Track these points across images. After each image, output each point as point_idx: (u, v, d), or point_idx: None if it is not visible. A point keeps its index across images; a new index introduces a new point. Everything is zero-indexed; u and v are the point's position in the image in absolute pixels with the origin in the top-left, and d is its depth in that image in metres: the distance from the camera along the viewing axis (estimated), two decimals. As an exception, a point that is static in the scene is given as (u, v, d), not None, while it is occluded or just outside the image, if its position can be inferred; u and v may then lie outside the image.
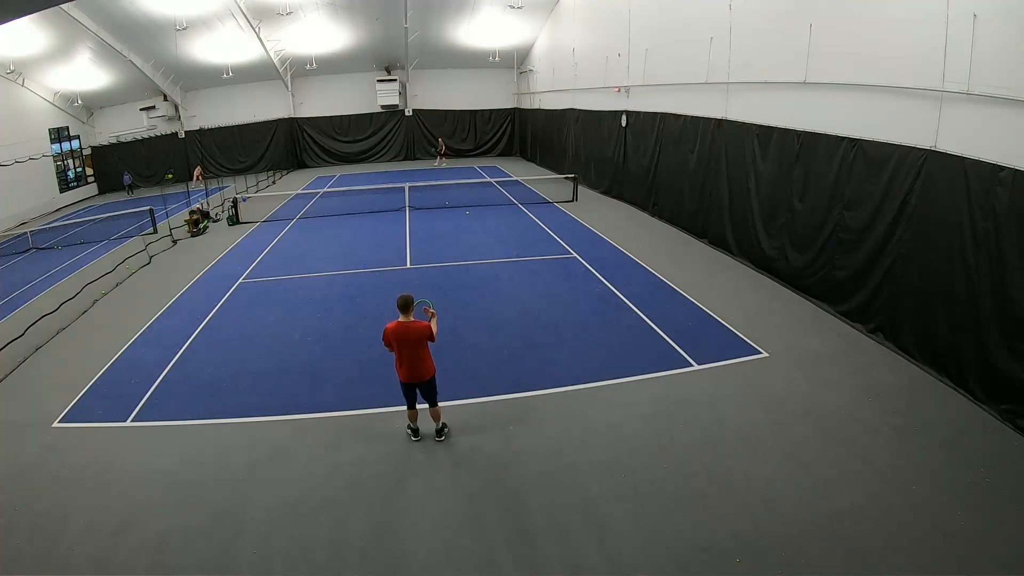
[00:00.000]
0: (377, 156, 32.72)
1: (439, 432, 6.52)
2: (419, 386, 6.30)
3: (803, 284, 10.10)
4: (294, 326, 9.80)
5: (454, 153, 31.87)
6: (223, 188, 24.96)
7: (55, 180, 25.36)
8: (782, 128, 10.49)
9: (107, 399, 7.76)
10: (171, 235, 16.71)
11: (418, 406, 6.48)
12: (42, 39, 20.51)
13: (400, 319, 6.07)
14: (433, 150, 31.06)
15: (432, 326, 6.13)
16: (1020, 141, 6.19)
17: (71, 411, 7.52)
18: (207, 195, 21.43)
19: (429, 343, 6.16)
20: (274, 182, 27.64)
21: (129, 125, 28.42)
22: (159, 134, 29.20)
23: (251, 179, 26.88)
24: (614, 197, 19.47)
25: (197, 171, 26.51)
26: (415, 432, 6.53)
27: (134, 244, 15.92)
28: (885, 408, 6.72)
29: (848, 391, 7.13)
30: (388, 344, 6.17)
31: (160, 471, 6.17)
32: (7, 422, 7.33)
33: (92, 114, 28.20)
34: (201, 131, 29.73)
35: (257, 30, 23.63)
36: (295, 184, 26.44)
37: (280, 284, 12.22)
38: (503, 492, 5.65)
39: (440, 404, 6.45)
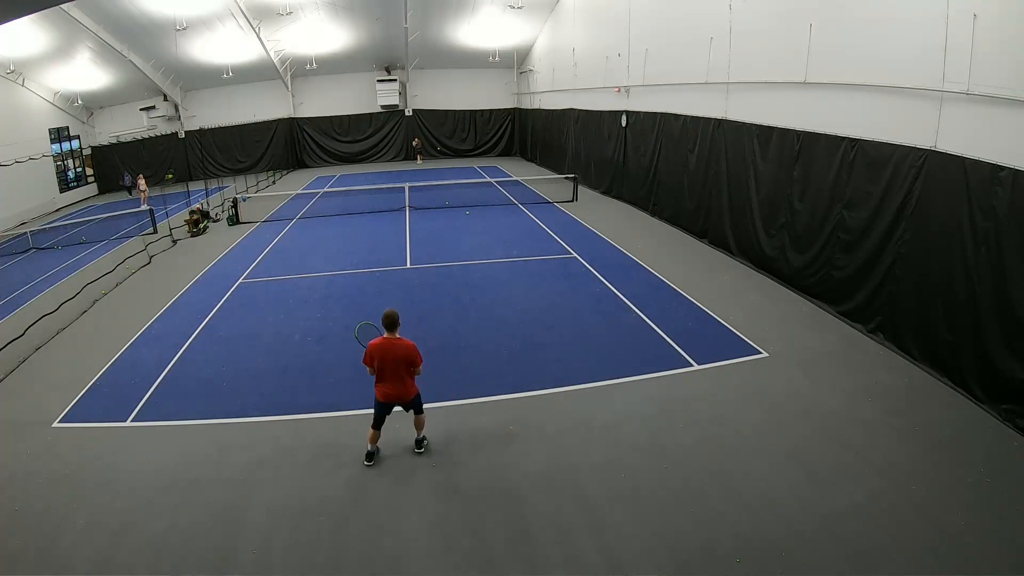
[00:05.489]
0: (377, 156, 32.74)
1: (419, 443, 6.23)
2: (401, 404, 6.05)
3: (803, 284, 10.10)
4: (294, 326, 9.80)
5: (440, 153, 32.13)
6: (223, 188, 24.96)
7: (55, 180, 25.35)
8: (782, 128, 10.49)
9: (107, 399, 7.76)
10: (171, 235, 16.70)
11: (389, 422, 6.05)
12: (42, 39, 20.51)
13: (385, 335, 5.81)
14: (414, 150, 31.27)
15: (417, 356, 5.79)
16: (1020, 141, 6.19)
17: (71, 411, 7.52)
18: (164, 204, 19.77)
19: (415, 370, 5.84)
20: (274, 182, 27.64)
21: (129, 125, 28.41)
22: (159, 134, 29.20)
23: (251, 179, 26.88)
24: (614, 197, 19.46)
25: (140, 180, 23.30)
26: (370, 456, 6.07)
27: (134, 244, 15.92)
28: (885, 408, 6.72)
29: (848, 391, 7.12)
30: (370, 362, 5.82)
31: (160, 471, 6.17)
32: (7, 422, 7.33)
33: (92, 114, 28.19)
34: (201, 131, 29.73)
35: (257, 30, 23.62)
36: (295, 184, 26.43)
37: (280, 284, 12.22)
38: (503, 492, 5.64)
39: (441, 404, 6.36)
